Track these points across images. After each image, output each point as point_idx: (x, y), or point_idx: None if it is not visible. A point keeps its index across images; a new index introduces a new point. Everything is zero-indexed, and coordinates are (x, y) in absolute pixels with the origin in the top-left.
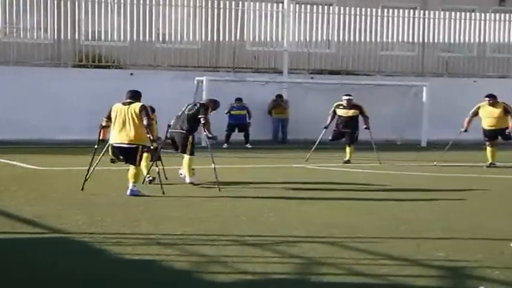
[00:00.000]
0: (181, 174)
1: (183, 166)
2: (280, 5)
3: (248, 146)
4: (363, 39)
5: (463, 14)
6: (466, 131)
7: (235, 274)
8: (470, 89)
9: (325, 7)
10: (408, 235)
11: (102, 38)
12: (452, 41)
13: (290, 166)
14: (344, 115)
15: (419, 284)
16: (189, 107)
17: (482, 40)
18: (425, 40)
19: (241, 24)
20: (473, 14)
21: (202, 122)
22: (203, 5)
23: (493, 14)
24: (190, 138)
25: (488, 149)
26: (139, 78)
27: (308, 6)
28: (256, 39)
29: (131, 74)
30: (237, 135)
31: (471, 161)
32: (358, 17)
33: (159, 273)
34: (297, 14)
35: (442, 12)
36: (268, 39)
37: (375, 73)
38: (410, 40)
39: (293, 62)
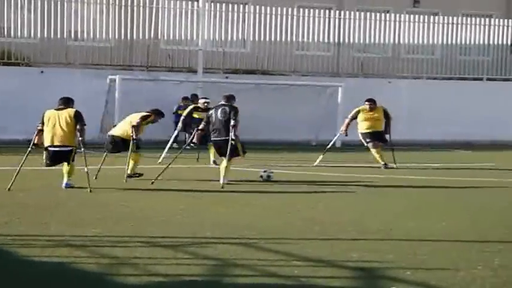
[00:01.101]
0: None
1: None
2: (195, 3)
3: (188, 146)
4: (278, 39)
5: (378, 14)
6: (346, 134)
7: (146, 276)
8: (385, 89)
9: (241, 6)
10: (322, 236)
11: (12, 34)
12: (367, 41)
13: (207, 166)
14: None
15: (332, 285)
16: (219, 112)
17: (396, 41)
18: (341, 40)
19: (155, 22)
20: (387, 15)
21: (233, 124)
22: (116, 2)
23: (407, 15)
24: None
25: (373, 150)
26: (50, 76)
27: (223, 5)
28: (171, 37)
29: (41, 71)
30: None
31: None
32: (273, 16)
33: (68, 276)
34: (212, 12)
35: (357, 13)
36: (182, 37)
37: (291, 73)
38: (326, 40)
39: (208, 61)
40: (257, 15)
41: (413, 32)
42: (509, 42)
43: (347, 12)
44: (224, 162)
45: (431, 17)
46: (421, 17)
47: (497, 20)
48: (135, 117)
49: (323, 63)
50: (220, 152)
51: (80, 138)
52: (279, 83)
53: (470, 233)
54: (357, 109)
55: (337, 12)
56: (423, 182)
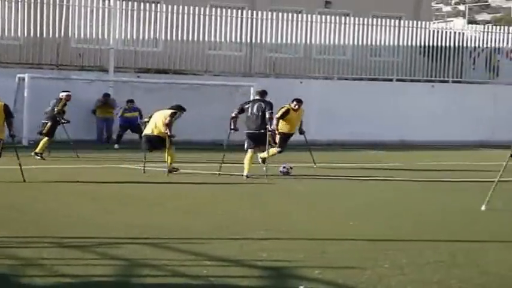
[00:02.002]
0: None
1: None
2: (107, 1)
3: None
4: (190, 38)
5: (290, 15)
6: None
7: (53, 277)
8: (296, 89)
9: (153, 5)
10: (232, 236)
11: None
12: (279, 41)
13: (117, 166)
14: None
15: (241, 284)
16: (255, 106)
17: (308, 41)
18: (253, 40)
19: (65, 20)
20: (300, 15)
21: (269, 116)
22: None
23: (319, 16)
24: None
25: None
26: None
27: (135, 4)
28: (82, 36)
29: None
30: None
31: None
32: (185, 15)
33: None
34: (123, 11)
35: (269, 13)
36: (94, 36)
37: (203, 72)
38: (238, 40)
39: (119, 60)
40: (169, 14)
41: (325, 33)
42: (418, 44)
43: (259, 12)
44: (249, 154)
45: (343, 18)
46: (333, 17)
47: (406, 21)
48: (162, 116)
49: (235, 63)
50: (255, 143)
51: (10, 132)
52: (191, 83)
53: (377, 232)
54: (285, 108)
55: (250, 12)
56: (333, 182)
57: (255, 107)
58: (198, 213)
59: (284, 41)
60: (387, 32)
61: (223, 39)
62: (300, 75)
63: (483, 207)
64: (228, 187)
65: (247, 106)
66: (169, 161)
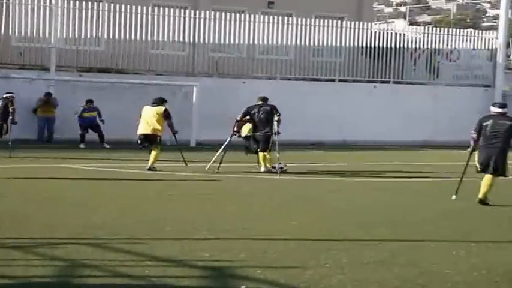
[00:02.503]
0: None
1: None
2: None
3: (106, 146)
4: (133, 37)
5: (233, 15)
6: (240, 136)
7: None
8: (239, 89)
9: (95, 3)
10: (174, 236)
11: None
12: (222, 41)
13: (57, 166)
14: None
15: (183, 284)
16: (261, 111)
17: (251, 41)
18: (196, 40)
19: (6, 18)
20: (242, 15)
21: (277, 118)
22: None
23: (262, 16)
24: (271, 137)
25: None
26: None
27: (77, 2)
28: (23, 34)
29: None
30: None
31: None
32: (128, 14)
33: None
34: (65, 9)
35: (212, 13)
36: (35, 34)
37: (145, 72)
38: (181, 39)
39: (61, 59)
40: (111, 13)
41: (267, 33)
42: (360, 44)
43: (202, 12)
44: (261, 154)
45: (286, 18)
46: (276, 18)
47: (348, 22)
48: (153, 114)
49: (178, 62)
50: (259, 145)
51: None
52: (134, 82)
53: (319, 232)
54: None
55: (192, 11)
56: (278, 181)
57: (261, 111)
58: (141, 213)
59: (227, 41)
60: (329, 33)
61: (166, 39)
62: (243, 75)
63: (454, 197)
64: (172, 186)
65: (252, 112)
66: (153, 159)
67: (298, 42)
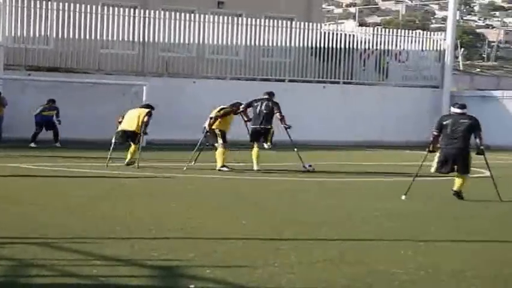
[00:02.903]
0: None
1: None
2: None
3: (57, 144)
4: (82, 36)
5: (182, 14)
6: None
7: None
8: (189, 89)
9: (43, 2)
10: (123, 235)
11: None
12: (172, 41)
13: (5, 165)
14: None
15: (132, 283)
16: (263, 105)
17: (201, 41)
18: (146, 39)
19: None
20: (192, 15)
21: (280, 117)
22: None
23: (211, 16)
24: (271, 131)
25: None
26: None
27: (25, 1)
28: None
29: None
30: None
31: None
32: (77, 13)
33: None
34: (13, 7)
35: (162, 12)
36: None
37: (95, 71)
38: (131, 39)
39: (9, 57)
40: (60, 12)
41: (217, 33)
42: (309, 45)
43: (152, 12)
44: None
45: (235, 18)
46: (225, 18)
47: (298, 23)
48: (138, 114)
49: (128, 62)
50: (256, 138)
51: None
52: (83, 81)
53: (268, 231)
54: (228, 109)
55: (142, 11)
56: (227, 181)
57: (264, 105)
58: (89, 212)
59: (177, 41)
60: (279, 33)
61: (115, 38)
62: (193, 75)
63: (403, 197)
64: (120, 186)
65: (256, 104)
66: (130, 155)
67: (248, 42)
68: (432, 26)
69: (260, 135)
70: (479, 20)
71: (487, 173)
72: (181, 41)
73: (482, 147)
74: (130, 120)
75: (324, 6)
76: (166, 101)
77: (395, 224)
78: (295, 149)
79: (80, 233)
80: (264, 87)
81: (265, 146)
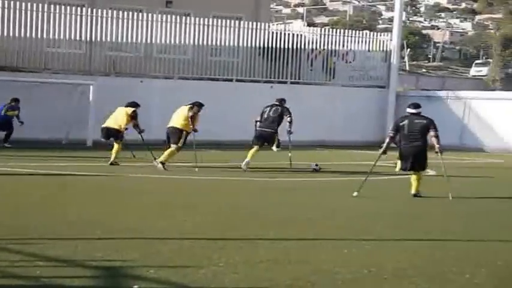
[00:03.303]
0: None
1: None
2: None
3: (6, 145)
4: (28, 35)
5: (130, 13)
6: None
7: None
8: (137, 88)
9: None
10: (67, 236)
11: None
12: (120, 40)
13: None
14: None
15: (75, 284)
16: (272, 110)
17: (149, 40)
18: (93, 38)
19: None
20: (140, 14)
21: (289, 120)
22: None
23: (159, 15)
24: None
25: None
26: None
27: None
28: None
29: None
30: None
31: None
32: (23, 11)
33: None
34: None
35: (109, 11)
36: None
37: (41, 70)
38: (78, 38)
39: None
40: (6, 10)
41: (165, 32)
42: (257, 45)
43: (99, 10)
44: (254, 148)
45: (184, 17)
46: (174, 17)
47: (246, 22)
48: (123, 112)
49: (75, 61)
50: (264, 141)
51: None
52: (29, 80)
53: (214, 231)
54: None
55: (89, 9)
56: (171, 180)
57: (273, 110)
58: (34, 213)
59: (124, 40)
60: (227, 33)
61: (62, 37)
62: (141, 75)
63: (355, 193)
64: (63, 185)
65: (265, 109)
66: (114, 155)
67: (196, 41)
68: (379, 26)
69: (264, 138)
70: (425, 21)
71: (432, 172)
72: (129, 40)
73: (439, 145)
74: (115, 118)
75: (272, 6)
76: (114, 101)
77: (341, 223)
78: (290, 154)
79: (22, 233)
80: (212, 87)
81: (274, 149)
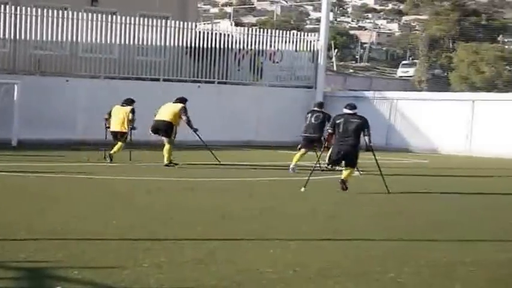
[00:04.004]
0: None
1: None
2: None
3: None
4: None
5: (55, 11)
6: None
7: None
8: (62, 88)
9: None
10: None
11: None
12: (44, 38)
13: None
14: None
15: None
16: (314, 116)
17: (74, 39)
18: (17, 37)
19: None
20: (65, 12)
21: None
22: None
23: (85, 14)
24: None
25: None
26: None
27: None
28: None
29: None
30: None
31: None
32: None
33: None
34: None
35: (34, 9)
36: None
37: None
38: (1, 36)
39: None
40: None
41: (91, 31)
42: (185, 44)
43: (23, 8)
44: (301, 152)
45: (110, 16)
46: (99, 15)
47: (173, 22)
48: (123, 113)
49: None
50: (307, 145)
51: None
52: None
53: (140, 232)
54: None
55: (13, 7)
56: (95, 180)
57: (314, 116)
58: None
59: (49, 38)
60: (154, 32)
61: None
62: (67, 74)
63: (302, 189)
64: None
65: (307, 115)
66: (115, 150)
67: (122, 41)
68: (307, 26)
69: (312, 142)
70: (353, 21)
71: (356, 173)
72: (54, 38)
73: (371, 144)
74: (118, 119)
75: (199, 5)
76: (39, 100)
77: (268, 224)
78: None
79: None
80: (139, 86)
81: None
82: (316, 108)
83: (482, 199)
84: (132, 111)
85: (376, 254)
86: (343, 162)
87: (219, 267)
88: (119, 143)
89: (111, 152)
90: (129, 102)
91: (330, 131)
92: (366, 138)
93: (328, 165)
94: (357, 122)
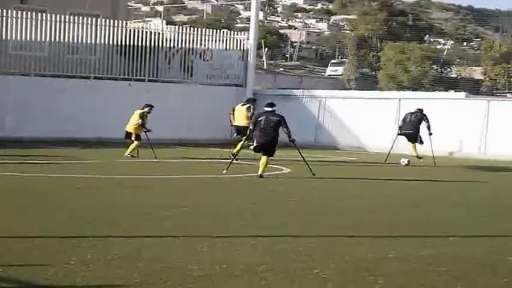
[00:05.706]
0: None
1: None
2: None
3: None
4: None
5: None
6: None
7: None
8: None
9: None
10: None
11: None
12: None
13: None
14: None
15: None
16: (413, 115)
17: (4, 37)
18: None
19: None
20: None
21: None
22: None
23: (14, 11)
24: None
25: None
26: None
27: None
28: None
29: None
30: None
31: None
32: None
33: None
34: None
35: None
36: None
37: None
38: None
39: None
40: None
41: (21, 29)
42: (115, 42)
43: None
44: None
45: (39, 14)
46: (29, 13)
47: (104, 20)
48: (136, 115)
49: None
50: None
51: None
52: None
53: (67, 229)
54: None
55: None
56: (29, 180)
57: (413, 115)
58: None
59: None
60: (85, 30)
61: None
62: None
63: (224, 171)
64: None
65: (406, 116)
66: (130, 149)
67: (52, 38)
68: (237, 25)
69: (413, 137)
70: (283, 21)
71: (286, 170)
72: None
73: (292, 138)
74: (131, 120)
75: (130, 3)
76: None
77: (195, 221)
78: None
79: None
80: (70, 84)
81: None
82: (417, 110)
83: (407, 197)
84: (140, 115)
85: (301, 250)
86: (263, 151)
87: (146, 264)
88: (134, 143)
89: (127, 153)
90: (145, 106)
91: (250, 127)
92: (286, 133)
93: (254, 152)
94: (276, 119)
